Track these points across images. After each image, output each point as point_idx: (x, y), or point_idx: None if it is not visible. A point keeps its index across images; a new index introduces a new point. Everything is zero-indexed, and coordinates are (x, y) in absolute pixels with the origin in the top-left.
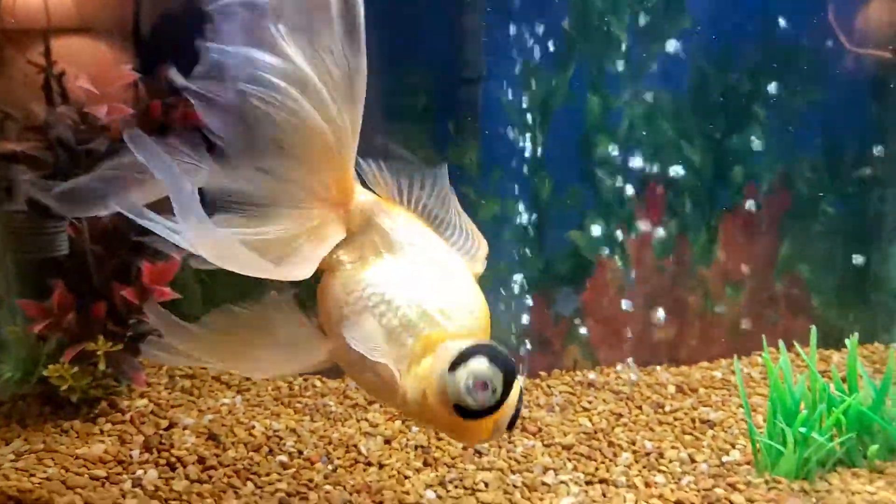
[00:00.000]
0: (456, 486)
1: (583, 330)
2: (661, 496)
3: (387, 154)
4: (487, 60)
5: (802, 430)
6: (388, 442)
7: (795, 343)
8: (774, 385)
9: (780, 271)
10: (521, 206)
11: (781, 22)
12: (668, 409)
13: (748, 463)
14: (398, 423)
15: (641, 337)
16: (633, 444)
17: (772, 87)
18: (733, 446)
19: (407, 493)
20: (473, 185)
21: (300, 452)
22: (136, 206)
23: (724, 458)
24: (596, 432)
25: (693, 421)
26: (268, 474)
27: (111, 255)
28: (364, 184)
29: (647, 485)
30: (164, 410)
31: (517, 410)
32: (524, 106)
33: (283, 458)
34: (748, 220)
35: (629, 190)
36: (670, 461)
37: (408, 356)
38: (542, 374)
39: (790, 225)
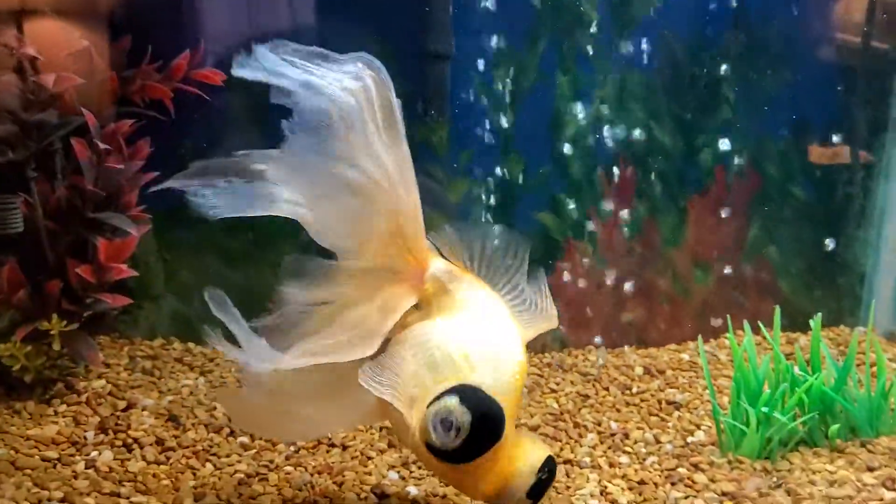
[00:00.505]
0: (420, 468)
1: None
2: (624, 476)
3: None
4: (456, 38)
5: (765, 409)
6: None
7: (762, 326)
8: (738, 366)
9: (748, 254)
10: (490, 187)
11: (752, 3)
12: (634, 390)
13: (713, 443)
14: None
15: (610, 319)
16: (599, 425)
17: (742, 69)
18: (698, 427)
19: (369, 473)
20: (442, 164)
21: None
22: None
23: (689, 439)
24: (562, 413)
25: (659, 402)
26: (228, 455)
27: (66, 232)
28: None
29: (611, 465)
30: (123, 391)
31: (541, 481)
32: (494, 85)
33: (244, 439)
34: (717, 203)
35: (599, 171)
36: (635, 442)
37: (425, 399)
38: None
39: (759, 208)
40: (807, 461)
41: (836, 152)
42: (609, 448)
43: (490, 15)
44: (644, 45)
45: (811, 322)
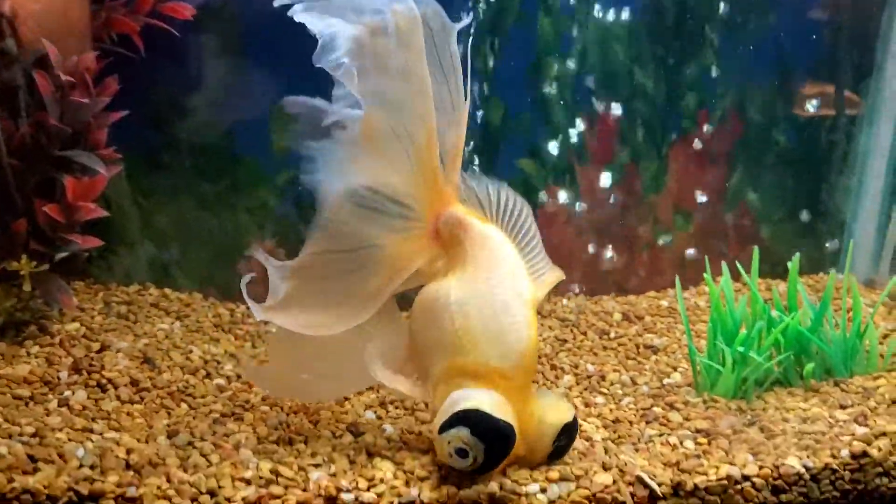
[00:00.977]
0: (396, 407)
1: None
2: (599, 415)
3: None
4: None
5: (741, 350)
6: None
7: (740, 267)
8: (715, 306)
9: (730, 201)
10: (470, 132)
11: None
12: (612, 335)
13: (689, 384)
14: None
15: (590, 266)
16: (576, 367)
17: (726, 12)
18: (675, 369)
19: (345, 413)
20: None
21: (238, 376)
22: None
23: (665, 381)
24: (540, 357)
25: (637, 347)
26: (203, 396)
27: (32, 171)
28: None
29: (586, 405)
30: (97, 334)
31: (559, 447)
32: (473, 28)
33: (221, 381)
34: (699, 149)
35: (580, 117)
36: (612, 383)
37: (434, 376)
38: None
39: (741, 154)
40: (781, 400)
41: (822, 90)
42: (585, 389)
43: None
44: None
45: (789, 264)
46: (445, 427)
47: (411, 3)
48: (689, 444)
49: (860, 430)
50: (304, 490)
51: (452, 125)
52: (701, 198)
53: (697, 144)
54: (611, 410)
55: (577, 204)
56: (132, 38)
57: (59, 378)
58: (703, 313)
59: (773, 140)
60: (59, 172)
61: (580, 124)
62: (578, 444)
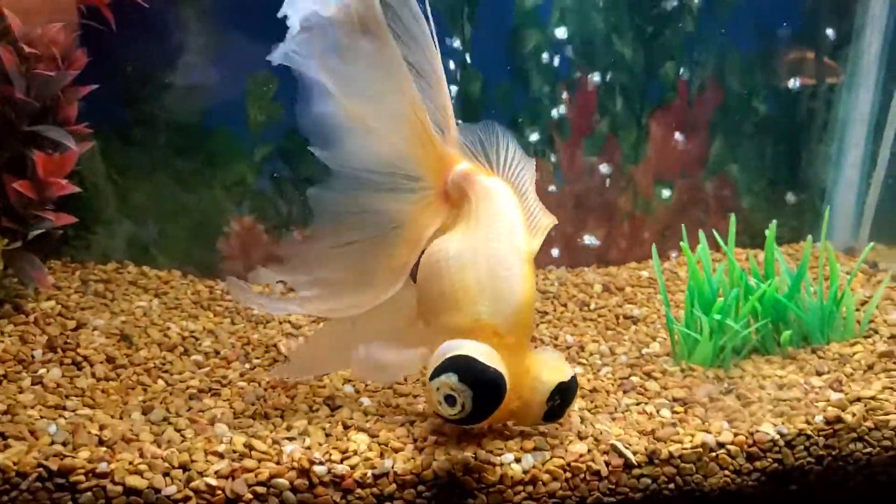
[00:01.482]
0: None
1: None
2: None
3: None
4: None
5: (718, 318)
6: None
7: (717, 236)
8: (693, 274)
9: (710, 171)
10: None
11: None
12: (593, 307)
13: (667, 354)
14: (322, 324)
15: (571, 239)
16: (556, 339)
17: None
18: (654, 339)
19: (323, 387)
20: None
21: (217, 352)
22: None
23: (644, 351)
24: None
25: (617, 317)
26: (181, 373)
27: (1, 146)
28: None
29: None
30: (73, 312)
31: (554, 407)
32: None
33: (199, 357)
34: (679, 118)
35: (559, 87)
36: (591, 354)
37: (433, 333)
38: None
39: (721, 123)
40: (759, 367)
41: (803, 56)
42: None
43: None
44: None
45: (766, 231)
46: (435, 374)
47: None
48: (666, 412)
49: (835, 396)
50: (278, 463)
51: (434, 85)
52: (681, 168)
53: (677, 114)
54: (588, 380)
55: (558, 175)
56: (101, 11)
57: (33, 356)
58: (683, 283)
59: (753, 109)
60: (28, 148)
61: (559, 95)
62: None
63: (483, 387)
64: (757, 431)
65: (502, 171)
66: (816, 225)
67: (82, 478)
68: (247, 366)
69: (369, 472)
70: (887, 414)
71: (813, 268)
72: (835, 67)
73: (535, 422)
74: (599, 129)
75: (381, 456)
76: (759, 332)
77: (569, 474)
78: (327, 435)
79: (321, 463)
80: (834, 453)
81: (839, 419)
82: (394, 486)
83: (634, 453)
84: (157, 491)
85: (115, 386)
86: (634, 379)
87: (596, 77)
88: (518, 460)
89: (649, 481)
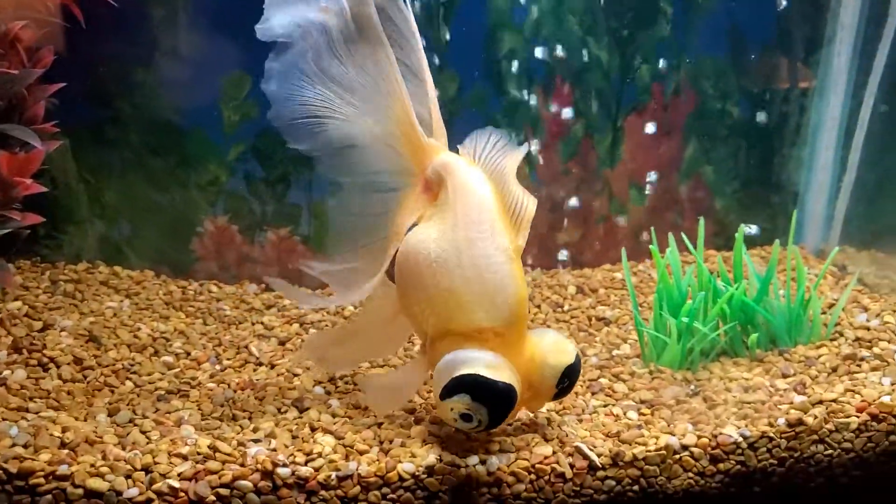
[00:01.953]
0: (346, 383)
1: None
2: None
3: None
4: None
5: (685, 320)
6: (282, 343)
7: (686, 239)
8: (662, 277)
9: (684, 174)
10: None
11: None
12: (566, 308)
13: (637, 356)
14: (295, 325)
15: (546, 241)
16: None
17: None
18: (625, 341)
19: (293, 388)
20: None
21: (188, 353)
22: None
23: (615, 352)
24: None
25: (589, 319)
26: (149, 374)
27: None
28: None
29: None
30: (40, 313)
31: (562, 390)
32: None
33: (169, 358)
34: (654, 121)
35: (535, 89)
36: None
37: (429, 335)
38: None
39: (695, 126)
40: (726, 370)
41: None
42: None
43: None
44: None
45: (737, 235)
46: (446, 394)
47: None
48: (633, 414)
49: (798, 399)
50: (242, 465)
51: (421, 82)
52: (655, 171)
53: (652, 117)
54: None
55: (533, 176)
56: (70, 8)
57: None
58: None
59: (727, 112)
60: None
61: (535, 97)
62: (522, 414)
63: (496, 401)
64: (720, 434)
65: (480, 158)
66: (789, 227)
67: (42, 480)
68: (217, 367)
69: (333, 475)
70: (848, 416)
71: (783, 271)
72: (807, 73)
73: (545, 403)
74: (575, 132)
75: (346, 458)
76: (727, 335)
77: (533, 476)
78: (294, 437)
79: (285, 465)
80: (796, 455)
81: (801, 421)
82: (358, 488)
83: (599, 455)
84: (119, 493)
85: (81, 387)
86: (603, 381)
87: (571, 80)
88: (483, 462)
89: (613, 483)
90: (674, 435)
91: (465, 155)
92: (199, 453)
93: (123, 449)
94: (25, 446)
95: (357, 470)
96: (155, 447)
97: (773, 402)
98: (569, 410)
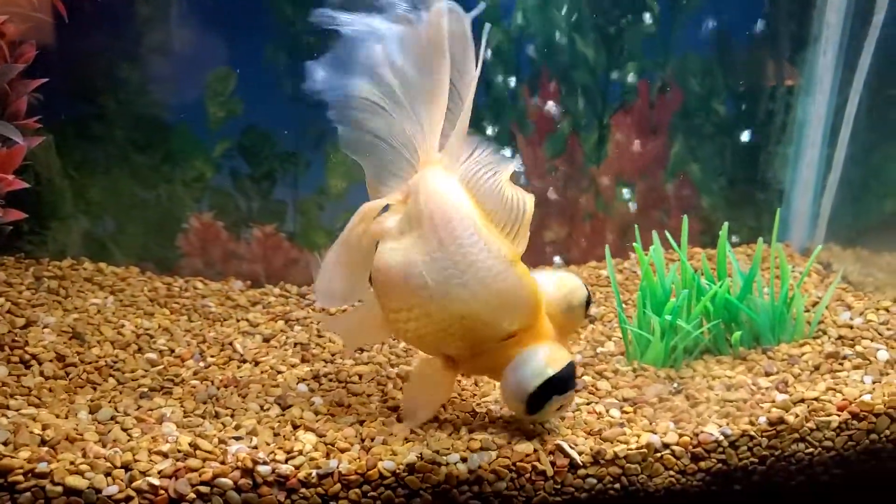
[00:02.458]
0: (330, 380)
1: None
2: None
3: None
4: None
5: (669, 318)
6: (266, 340)
7: (672, 241)
8: (646, 275)
9: (670, 171)
10: None
11: None
12: None
13: (621, 353)
14: (280, 322)
15: (532, 238)
16: None
17: None
18: (609, 338)
19: (276, 386)
20: None
21: (172, 350)
22: None
23: (599, 350)
24: None
25: None
26: (133, 371)
27: None
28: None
29: None
30: (23, 309)
31: (588, 311)
32: None
33: (153, 355)
34: (640, 119)
35: (522, 87)
36: None
37: (454, 356)
38: None
39: (682, 124)
40: (709, 368)
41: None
42: None
43: None
44: None
45: (720, 233)
46: (536, 407)
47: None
48: (615, 412)
49: (780, 397)
50: (223, 462)
51: (460, 111)
52: (642, 168)
53: (638, 115)
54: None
55: (521, 174)
56: (54, 3)
57: None
58: None
59: (713, 110)
60: None
61: (521, 94)
62: (505, 411)
63: (573, 378)
64: (702, 432)
65: (465, 176)
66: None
67: (21, 478)
68: (201, 364)
69: (314, 472)
70: (829, 415)
71: (768, 269)
72: (792, 70)
73: None
74: (561, 129)
75: (327, 456)
76: (710, 333)
77: (514, 474)
78: (276, 434)
79: (265, 463)
80: (777, 454)
81: (782, 420)
82: (339, 486)
83: (580, 453)
84: (98, 491)
85: (63, 385)
86: (587, 378)
87: (557, 77)
88: (464, 459)
89: (595, 481)
90: (655, 433)
91: (442, 164)
92: (179, 451)
93: (104, 446)
94: (5, 444)
95: (338, 468)
96: (136, 444)
97: (756, 401)
98: None
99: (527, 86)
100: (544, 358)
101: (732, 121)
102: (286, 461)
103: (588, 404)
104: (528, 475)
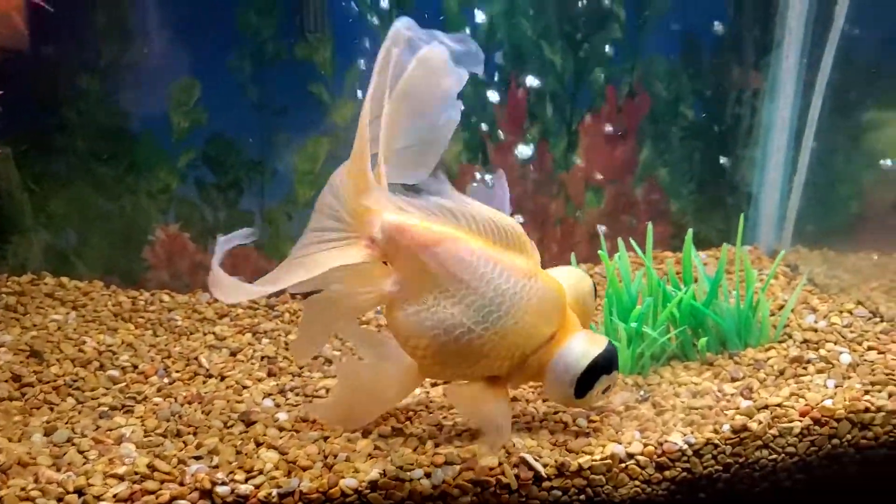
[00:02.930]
0: (296, 395)
1: None
2: None
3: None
4: None
5: (634, 325)
6: (233, 354)
7: (636, 248)
8: (611, 282)
9: (639, 176)
10: None
11: None
12: None
13: None
14: (248, 335)
15: None
16: None
17: None
18: None
19: (241, 401)
20: (326, 84)
21: (135, 367)
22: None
23: None
24: None
25: None
26: (93, 389)
27: None
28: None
29: None
30: None
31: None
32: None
33: (115, 372)
34: (609, 124)
35: (491, 94)
36: None
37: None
38: None
39: (650, 129)
40: (676, 374)
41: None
42: None
43: None
44: None
45: (686, 238)
46: (587, 390)
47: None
48: (582, 421)
49: (744, 404)
50: (181, 484)
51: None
52: (611, 173)
53: (606, 120)
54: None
55: (489, 180)
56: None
57: None
58: None
59: (680, 114)
60: None
61: (490, 101)
62: (472, 423)
63: (616, 355)
64: (666, 441)
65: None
66: (744, 228)
67: None
68: (165, 380)
69: (275, 492)
70: (791, 421)
71: (734, 273)
72: (756, 75)
73: None
74: (530, 135)
75: (289, 475)
76: (678, 339)
77: (479, 488)
78: (238, 452)
79: (224, 483)
80: (741, 461)
81: (745, 427)
82: None
83: (545, 466)
84: None
85: (18, 406)
86: None
87: (526, 83)
88: (428, 475)
89: (559, 493)
90: (620, 443)
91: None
92: (136, 472)
93: (58, 470)
94: None
95: (299, 487)
96: (91, 468)
97: (720, 408)
98: (519, 419)
99: (496, 92)
100: (585, 341)
101: (700, 125)
102: (246, 481)
103: (555, 413)
104: (492, 489)
